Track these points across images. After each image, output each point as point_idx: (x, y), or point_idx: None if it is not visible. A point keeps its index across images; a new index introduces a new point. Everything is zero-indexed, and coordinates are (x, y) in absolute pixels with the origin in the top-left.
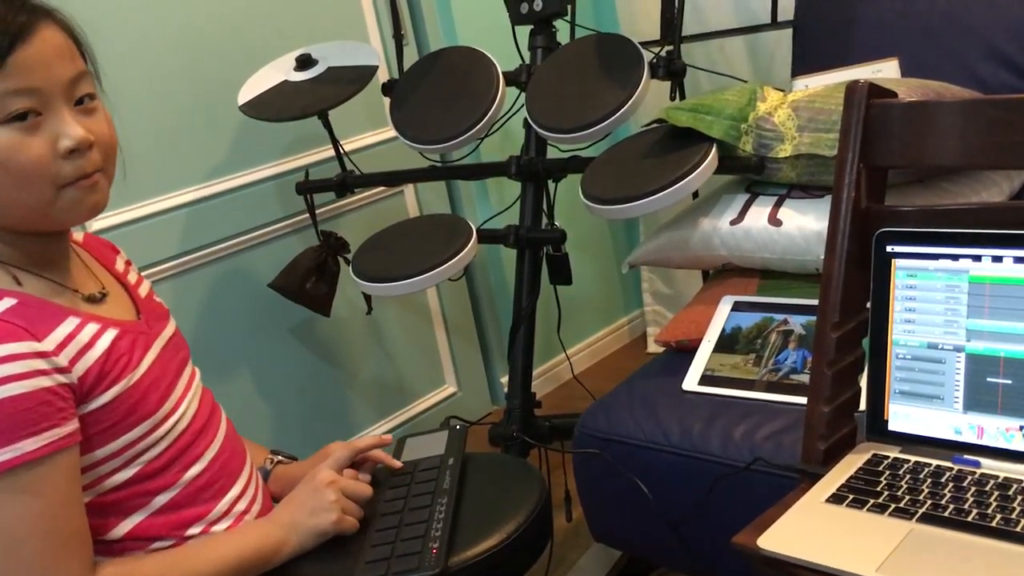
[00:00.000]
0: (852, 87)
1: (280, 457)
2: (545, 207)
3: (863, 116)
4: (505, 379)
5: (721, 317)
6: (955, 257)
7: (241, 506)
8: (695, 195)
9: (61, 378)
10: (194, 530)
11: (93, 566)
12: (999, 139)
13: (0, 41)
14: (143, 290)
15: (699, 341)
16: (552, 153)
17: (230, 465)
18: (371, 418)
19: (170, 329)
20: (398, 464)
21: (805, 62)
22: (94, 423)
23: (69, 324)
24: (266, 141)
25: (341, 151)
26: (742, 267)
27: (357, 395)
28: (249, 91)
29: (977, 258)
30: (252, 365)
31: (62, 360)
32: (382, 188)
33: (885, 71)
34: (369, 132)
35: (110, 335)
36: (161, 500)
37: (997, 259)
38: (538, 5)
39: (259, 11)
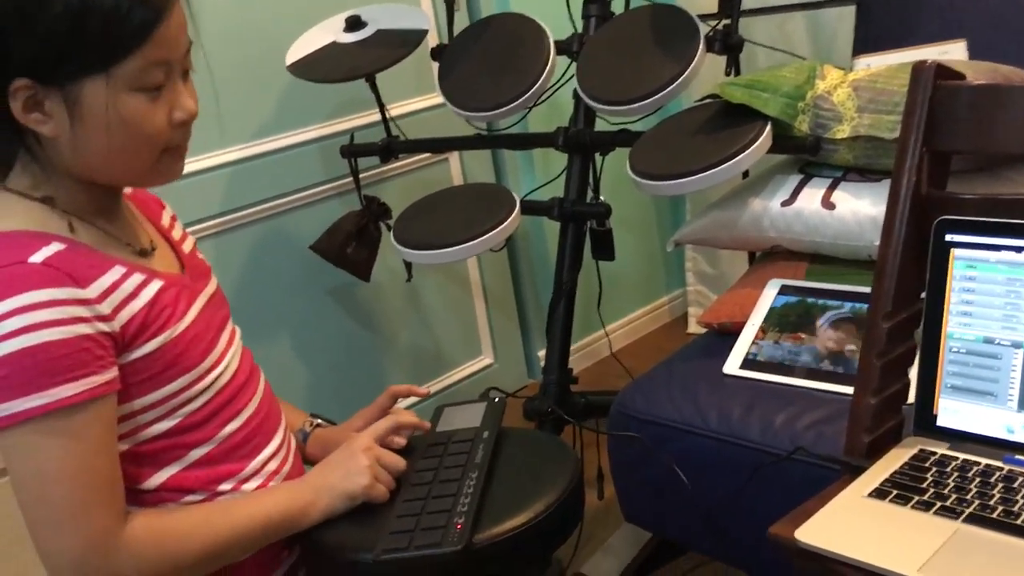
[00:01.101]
0: (919, 67)
1: (319, 420)
2: (591, 181)
3: (929, 98)
4: (542, 353)
5: (767, 300)
6: (1018, 249)
7: (272, 466)
8: (745, 174)
9: (102, 326)
10: (226, 486)
11: (124, 515)
12: None
13: (149, 15)
14: (187, 246)
15: (742, 324)
16: (601, 126)
17: (266, 425)
18: (407, 384)
19: (212, 286)
20: (426, 425)
21: (867, 42)
22: (134, 373)
23: (115, 273)
24: (313, 102)
25: (387, 115)
26: (791, 250)
27: (393, 361)
28: (297, 51)
29: None
30: (291, 326)
31: (104, 308)
32: (427, 155)
33: (952, 53)
34: (417, 97)
35: (155, 286)
36: (197, 454)
37: None
38: None
39: None
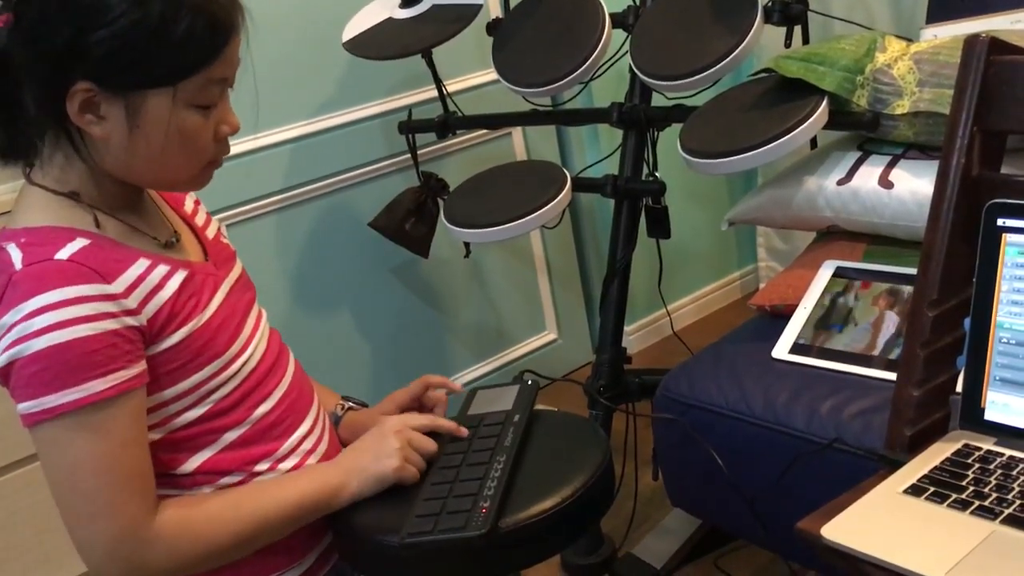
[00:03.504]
0: (971, 41)
1: (351, 403)
2: (648, 157)
3: (981, 75)
4: None
5: (821, 283)
6: None
7: (308, 444)
8: (814, 145)
9: (130, 320)
10: (262, 466)
11: (155, 504)
12: None
13: (220, 35)
14: (211, 231)
15: (795, 306)
16: (659, 100)
17: (298, 404)
18: (469, 360)
19: (237, 271)
20: (464, 432)
21: (941, 9)
22: (164, 363)
23: (140, 266)
24: (373, 79)
25: (444, 91)
26: (850, 231)
27: (455, 337)
28: (353, 28)
29: None
30: (352, 302)
31: (131, 302)
32: (487, 130)
33: None
34: (477, 72)
35: (180, 276)
36: (230, 436)
37: None
38: None
39: None
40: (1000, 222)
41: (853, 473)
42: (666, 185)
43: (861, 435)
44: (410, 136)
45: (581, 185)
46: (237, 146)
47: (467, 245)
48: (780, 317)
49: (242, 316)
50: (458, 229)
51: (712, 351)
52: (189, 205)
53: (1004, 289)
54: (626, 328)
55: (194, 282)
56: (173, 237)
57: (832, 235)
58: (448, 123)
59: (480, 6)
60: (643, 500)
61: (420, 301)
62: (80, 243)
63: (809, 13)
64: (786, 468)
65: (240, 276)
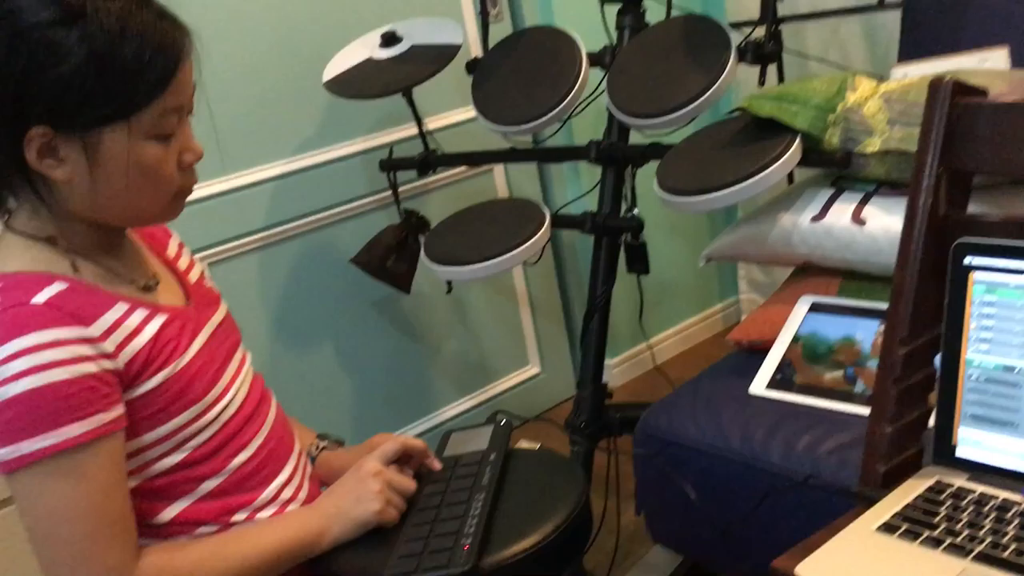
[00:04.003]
0: (935, 84)
1: (326, 443)
2: (628, 193)
3: (946, 116)
4: None
5: (796, 318)
6: None
7: (287, 493)
8: (791, 180)
9: (107, 364)
10: (240, 516)
11: (137, 551)
12: None
13: (169, 63)
14: (193, 275)
15: (772, 342)
16: (637, 138)
17: (277, 452)
18: (452, 395)
19: (220, 314)
20: (437, 465)
21: (913, 47)
22: (141, 408)
23: (118, 310)
24: (354, 117)
25: (423, 129)
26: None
27: (439, 372)
28: (334, 68)
29: None
30: (336, 338)
31: (108, 346)
32: (469, 167)
33: (993, 60)
34: (458, 109)
35: (158, 321)
36: (208, 486)
37: None
38: None
39: None
40: (967, 260)
41: (830, 508)
42: (644, 222)
43: (838, 471)
44: (391, 173)
45: (560, 222)
46: (219, 184)
47: (449, 282)
48: (758, 352)
49: (223, 361)
50: (438, 267)
51: (691, 387)
52: (173, 248)
53: (972, 326)
54: (609, 361)
55: (172, 327)
56: (152, 281)
57: (808, 270)
58: (428, 160)
59: (459, 46)
60: (626, 535)
61: (403, 337)
62: (57, 287)
63: (785, 53)
64: (758, 503)
65: (224, 319)
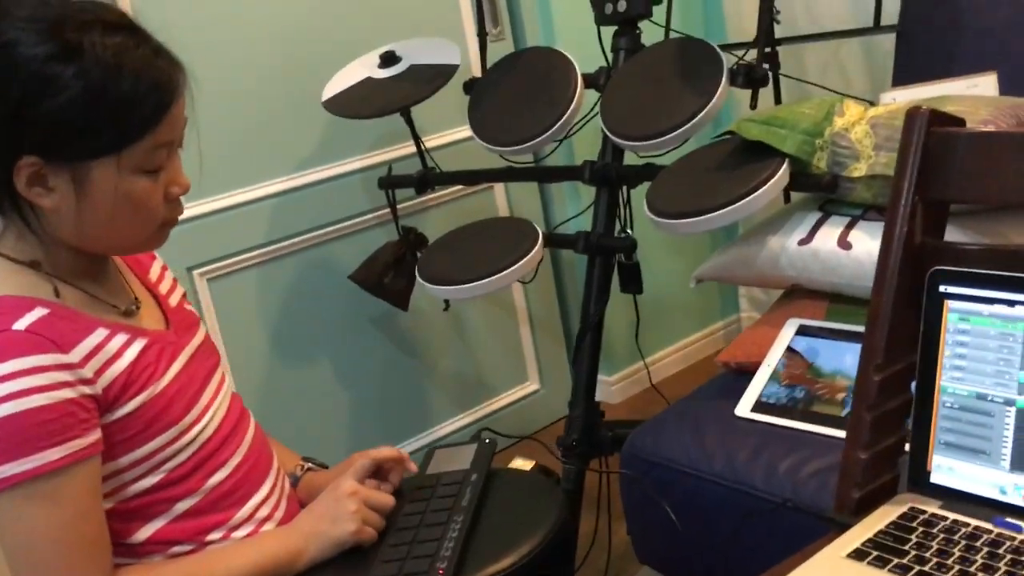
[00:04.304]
0: (912, 113)
1: (310, 465)
2: (622, 213)
3: (922, 145)
4: None
5: (783, 341)
6: (1011, 303)
7: (263, 512)
8: (787, 199)
9: (85, 389)
10: (214, 535)
11: (111, 572)
12: None
13: (164, 98)
14: (174, 299)
15: (759, 364)
16: (632, 158)
17: (254, 472)
18: (450, 411)
19: (199, 337)
20: (413, 468)
21: (907, 72)
22: (119, 431)
23: (98, 335)
24: (354, 135)
25: (422, 148)
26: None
27: (437, 388)
28: (333, 87)
29: None
30: (334, 354)
31: (87, 372)
32: (466, 185)
33: (981, 87)
34: (458, 128)
35: (138, 346)
36: (183, 506)
37: None
38: (621, 6)
39: (355, 4)
40: (942, 288)
41: (809, 532)
42: (636, 242)
43: (817, 494)
44: (390, 191)
45: (554, 241)
46: (219, 201)
47: (446, 299)
48: (746, 374)
49: (201, 384)
50: (431, 285)
51: (678, 408)
52: (155, 272)
53: (947, 354)
54: (608, 378)
55: (152, 351)
56: (133, 305)
57: (797, 292)
58: (427, 179)
59: (456, 66)
60: (617, 555)
61: (402, 353)
62: (39, 312)
63: (782, 75)
64: (738, 527)
65: (203, 343)
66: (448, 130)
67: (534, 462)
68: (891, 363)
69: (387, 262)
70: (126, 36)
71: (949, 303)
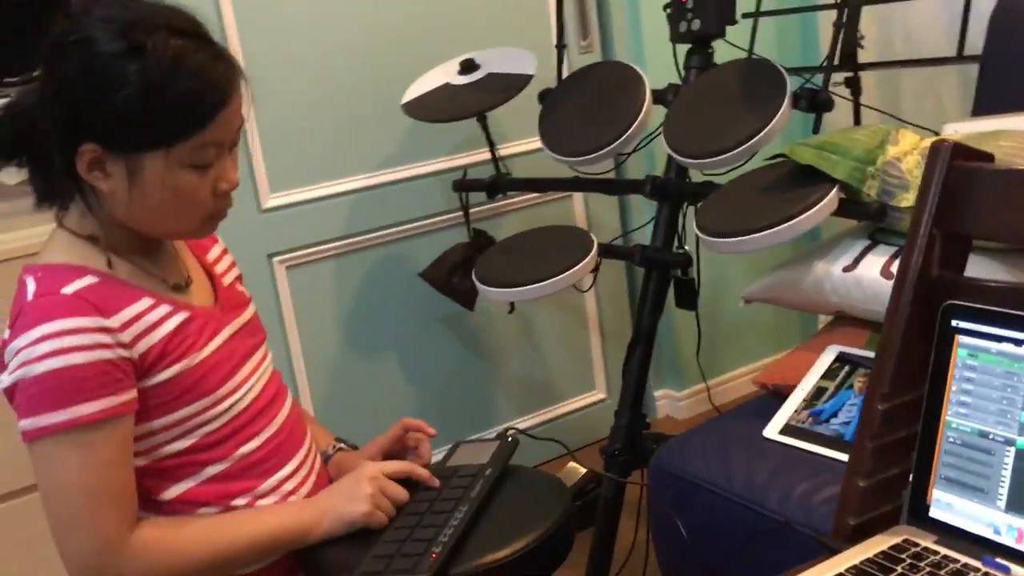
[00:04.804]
0: (936, 146)
1: (341, 445)
2: (681, 229)
3: (943, 179)
4: (659, 393)
5: (821, 367)
6: (1019, 342)
7: (290, 485)
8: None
9: (123, 352)
10: (240, 501)
11: (134, 523)
12: None
13: (216, 100)
14: (227, 279)
15: (794, 387)
16: (698, 176)
17: (286, 446)
18: (512, 413)
19: (245, 317)
20: (436, 483)
21: (988, 102)
22: (154, 396)
23: (141, 304)
24: (435, 139)
25: (495, 153)
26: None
27: (503, 389)
28: (414, 91)
29: None
30: (402, 347)
31: (126, 337)
32: (537, 192)
33: None
34: (535, 136)
35: (179, 318)
36: (212, 471)
37: None
38: (696, 25)
39: (450, 11)
40: (954, 323)
41: (813, 555)
42: (692, 257)
43: (826, 520)
44: (463, 194)
45: (611, 252)
46: (302, 193)
47: (511, 302)
48: (783, 397)
49: (241, 359)
50: (481, 285)
51: (710, 425)
52: (214, 253)
53: (953, 389)
54: (677, 394)
55: (194, 324)
56: (183, 281)
57: (843, 319)
58: (497, 184)
59: (531, 76)
60: (653, 568)
61: (469, 353)
62: (88, 280)
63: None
64: (742, 545)
65: (249, 321)
66: (527, 138)
67: (586, 469)
68: (898, 394)
69: (456, 262)
70: (189, 40)
71: (960, 338)
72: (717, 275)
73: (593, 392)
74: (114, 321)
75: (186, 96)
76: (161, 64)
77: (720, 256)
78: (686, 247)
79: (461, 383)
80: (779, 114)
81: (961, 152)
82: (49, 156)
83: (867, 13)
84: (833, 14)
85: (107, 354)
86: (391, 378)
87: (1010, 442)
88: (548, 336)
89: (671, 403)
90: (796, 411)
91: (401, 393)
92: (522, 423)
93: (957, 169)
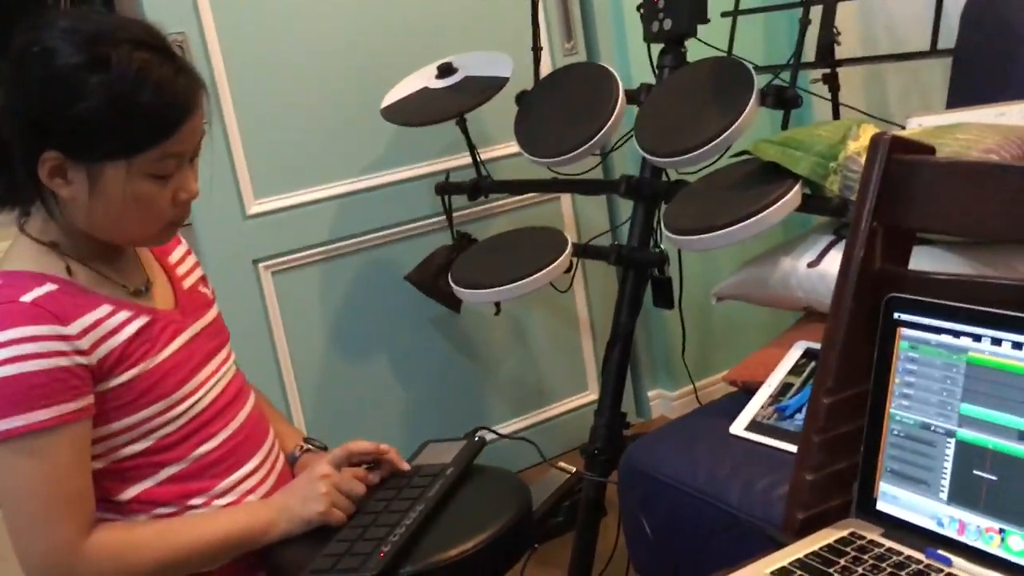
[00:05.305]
0: (875, 140)
1: (309, 445)
2: (657, 228)
3: (882, 173)
4: (652, 393)
5: (788, 363)
6: (956, 334)
7: (248, 484)
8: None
9: (80, 359)
10: (197, 500)
11: (89, 527)
12: (1018, 212)
13: (177, 113)
14: (188, 281)
15: (762, 384)
16: (675, 175)
17: (245, 446)
18: (505, 414)
19: (208, 318)
20: (405, 466)
21: (960, 95)
22: (112, 399)
23: (100, 311)
24: (418, 143)
25: (476, 156)
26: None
27: (493, 391)
28: (392, 95)
29: (977, 338)
30: (390, 351)
31: (84, 344)
32: (535, 193)
33: (1011, 115)
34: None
35: (139, 322)
36: (169, 471)
37: (996, 342)
38: (667, 24)
39: (431, 16)
40: (896, 316)
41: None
42: (668, 256)
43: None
44: (446, 197)
45: (589, 252)
46: (287, 199)
47: (496, 303)
48: (752, 393)
49: (200, 361)
50: (458, 288)
51: (679, 423)
52: (176, 255)
53: (896, 382)
54: (671, 393)
55: (153, 328)
56: (143, 285)
57: (812, 315)
58: (479, 186)
59: (506, 79)
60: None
61: (459, 354)
62: (47, 288)
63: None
64: (706, 540)
65: (211, 323)
66: (510, 141)
67: (575, 468)
68: (843, 388)
69: (440, 264)
70: (153, 54)
71: (902, 331)
72: (709, 272)
73: (586, 393)
74: (72, 328)
75: (149, 109)
76: (124, 77)
77: (712, 252)
78: (662, 246)
79: (451, 386)
80: (746, 111)
81: (901, 145)
82: (11, 162)
83: (850, 9)
84: (818, 10)
85: (63, 361)
86: (380, 382)
87: (950, 433)
88: (538, 337)
89: (665, 403)
90: (762, 407)
91: (391, 397)
92: (512, 424)
93: (897, 163)
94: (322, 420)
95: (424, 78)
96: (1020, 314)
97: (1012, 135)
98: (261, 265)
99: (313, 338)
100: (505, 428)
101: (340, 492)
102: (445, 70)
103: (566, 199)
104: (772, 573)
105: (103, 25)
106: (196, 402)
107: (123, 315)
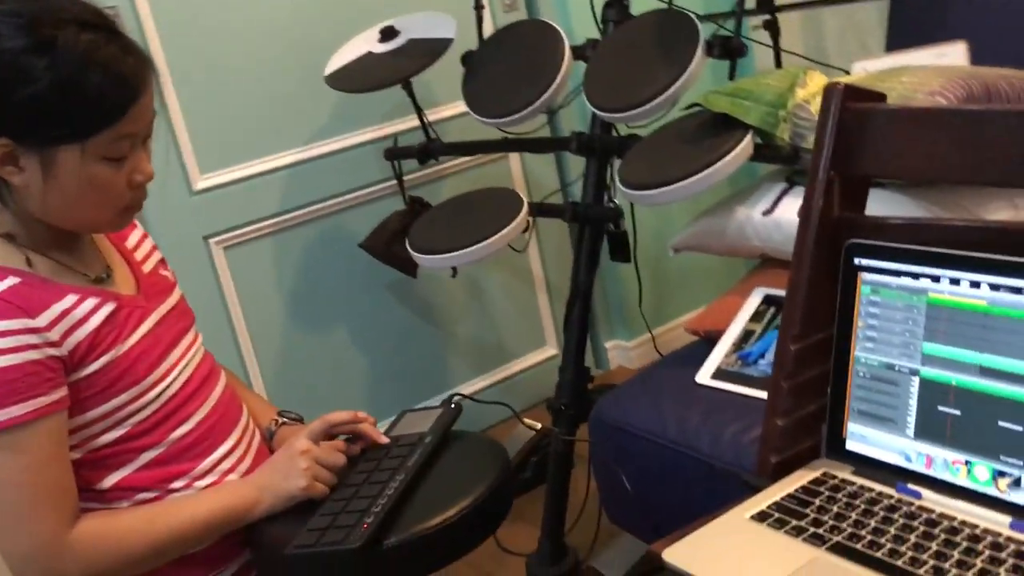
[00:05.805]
0: (829, 89)
1: (284, 419)
2: (610, 183)
3: (837, 121)
4: (610, 344)
5: (748, 310)
6: (915, 276)
7: (227, 464)
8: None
9: (51, 351)
10: (177, 483)
11: (72, 519)
12: (971, 154)
13: (128, 94)
14: (148, 265)
15: (724, 332)
16: (624, 129)
17: (220, 426)
18: (468, 374)
19: (170, 302)
20: (384, 440)
21: (899, 37)
22: (86, 388)
23: (67, 301)
24: (365, 108)
25: (424, 120)
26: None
27: (455, 352)
28: (336, 62)
29: (936, 279)
30: (349, 319)
31: (54, 335)
32: (467, 155)
33: (950, 56)
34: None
35: (106, 310)
36: (147, 456)
37: (955, 282)
38: None
39: None
40: (857, 261)
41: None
42: (623, 211)
43: (755, 459)
44: (395, 162)
45: (544, 211)
46: (233, 172)
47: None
48: (714, 342)
49: (168, 345)
50: (417, 255)
51: (645, 375)
52: (133, 239)
53: (860, 325)
54: (628, 343)
55: (120, 315)
56: (104, 272)
57: (770, 262)
58: (428, 149)
59: (450, 40)
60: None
61: (419, 318)
62: (10, 281)
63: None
64: (685, 487)
65: (175, 306)
66: (455, 102)
67: (540, 424)
68: (809, 334)
69: (394, 230)
70: (98, 34)
71: (862, 275)
72: (662, 224)
73: (544, 348)
74: (40, 320)
75: (98, 90)
76: (71, 59)
77: (662, 206)
78: (616, 201)
79: (411, 350)
80: (693, 63)
81: (853, 93)
82: None
83: None
84: None
85: (34, 355)
86: (340, 350)
87: (914, 372)
88: (495, 297)
89: (622, 352)
90: (725, 355)
91: (352, 364)
92: (475, 384)
93: (850, 111)
94: (285, 393)
95: (367, 42)
96: (976, 254)
97: (955, 75)
98: (212, 241)
99: (270, 312)
100: (468, 388)
101: (321, 465)
102: (388, 33)
103: (515, 159)
104: (752, 517)
105: (46, 6)
106: (168, 386)
107: (90, 303)
